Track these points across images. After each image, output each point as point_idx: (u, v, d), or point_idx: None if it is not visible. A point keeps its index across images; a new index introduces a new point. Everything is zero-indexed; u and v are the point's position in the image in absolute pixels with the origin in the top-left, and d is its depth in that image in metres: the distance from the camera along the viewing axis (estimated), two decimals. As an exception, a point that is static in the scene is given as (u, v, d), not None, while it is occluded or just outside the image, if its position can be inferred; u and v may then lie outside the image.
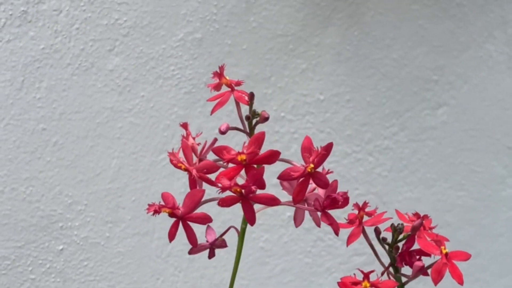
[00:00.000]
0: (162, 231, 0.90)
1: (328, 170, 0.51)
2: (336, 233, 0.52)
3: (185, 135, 0.53)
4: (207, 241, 0.55)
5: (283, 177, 0.50)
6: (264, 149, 0.50)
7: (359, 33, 0.94)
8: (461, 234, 1.02)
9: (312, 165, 0.49)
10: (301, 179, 0.50)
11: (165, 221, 0.90)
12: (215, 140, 0.53)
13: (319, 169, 0.50)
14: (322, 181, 0.50)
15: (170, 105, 0.88)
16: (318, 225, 0.54)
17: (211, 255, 0.56)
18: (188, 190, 0.51)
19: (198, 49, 0.88)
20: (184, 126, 0.53)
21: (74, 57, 0.84)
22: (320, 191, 0.53)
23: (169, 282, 0.91)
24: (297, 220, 0.55)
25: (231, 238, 0.57)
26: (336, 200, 0.51)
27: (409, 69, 0.97)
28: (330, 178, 0.51)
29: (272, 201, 0.50)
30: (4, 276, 0.86)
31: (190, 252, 0.54)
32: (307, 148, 0.50)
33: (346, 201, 0.51)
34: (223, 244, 0.55)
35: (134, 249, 0.89)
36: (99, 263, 0.88)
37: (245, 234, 0.54)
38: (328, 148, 0.50)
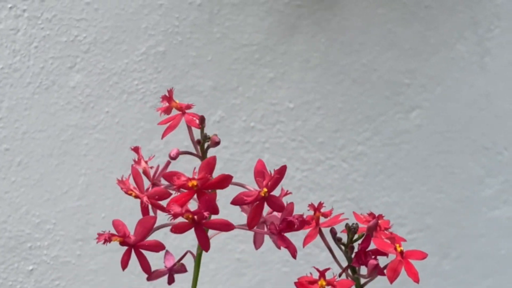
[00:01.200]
0: (134, 246, 0.90)
1: (287, 191, 0.51)
2: (293, 256, 0.52)
3: (136, 160, 0.52)
4: (165, 267, 0.54)
5: (236, 202, 0.50)
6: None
7: (326, 39, 0.94)
8: (442, 236, 1.02)
9: (265, 189, 0.49)
10: (255, 204, 0.50)
11: (137, 236, 0.90)
12: (168, 163, 0.52)
13: (277, 191, 0.50)
14: (277, 205, 0.50)
15: (136, 119, 0.88)
16: (278, 248, 0.53)
17: (171, 280, 0.55)
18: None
19: (162, 62, 0.88)
20: (136, 150, 0.53)
21: (34, 75, 0.84)
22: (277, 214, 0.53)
23: (145, 298, 0.91)
24: (257, 243, 0.55)
25: (192, 262, 0.56)
26: (292, 223, 0.50)
27: (380, 74, 0.97)
28: (289, 199, 0.51)
29: (225, 227, 0.49)
30: (-27, 299, 0.85)
31: (149, 279, 0.54)
32: (260, 172, 0.50)
33: (302, 223, 0.51)
34: (182, 269, 0.55)
35: (106, 266, 0.89)
36: (71, 281, 0.88)
37: (201, 259, 0.53)
38: (281, 171, 0.49)
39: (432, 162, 1.00)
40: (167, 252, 0.54)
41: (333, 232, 0.54)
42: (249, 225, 0.51)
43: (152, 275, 0.53)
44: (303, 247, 0.54)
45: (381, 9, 0.95)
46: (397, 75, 0.97)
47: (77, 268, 0.88)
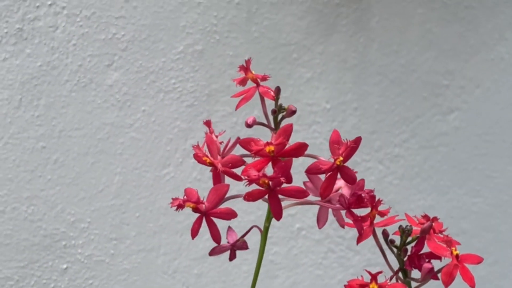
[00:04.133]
0: (168, 246, 0.89)
1: (354, 170, 0.50)
2: (360, 233, 0.51)
3: (208, 132, 0.52)
4: (228, 242, 0.54)
5: (311, 170, 0.49)
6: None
7: (364, 39, 0.93)
8: (478, 241, 1.01)
9: (341, 158, 0.49)
10: (328, 174, 0.50)
11: (171, 236, 0.90)
12: (238, 138, 0.52)
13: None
14: (350, 177, 0.50)
15: (172, 118, 0.87)
16: (342, 226, 0.53)
17: (232, 257, 0.55)
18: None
19: (199, 61, 0.87)
20: (207, 123, 0.53)
21: (72, 73, 0.84)
22: (345, 192, 0.52)
23: (178, 298, 0.91)
24: (320, 220, 0.54)
25: (251, 241, 0.56)
26: (361, 198, 0.50)
27: (418, 75, 0.96)
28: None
29: (300, 194, 0.49)
30: (8, 296, 0.85)
31: (211, 253, 0.54)
32: (336, 141, 0.50)
33: (372, 199, 0.50)
34: (244, 246, 0.54)
35: (140, 266, 0.89)
36: (105, 281, 0.88)
37: (268, 232, 0.53)
38: (357, 141, 0.49)
39: (469, 165, 0.99)
40: (229, 228, 0.54)
41: (385, 234, 0.53)
42: (322, 195, 0.50)
43: (214, 250, 0.53)
44: (357, 244, 0.52)
45: (420, 9, 0.94)
46: (435, 76, 0.96)
47: (111, 267, 0.88)
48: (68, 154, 0.85)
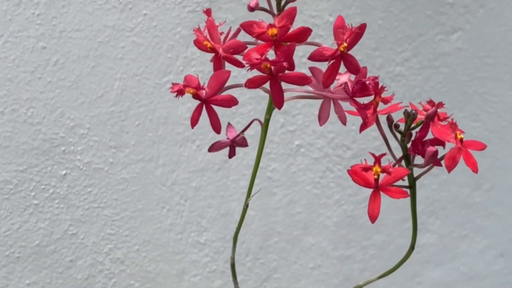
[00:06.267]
0: (167, 157, 0.89)
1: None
2: (365, 121, 0.49)
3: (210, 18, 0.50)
4: (227, 138, 0.53)
5: (315, 57, 0.48)
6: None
7: (370, -50, 0.91)
8: None
9: (345, 44, 0.47)
10: (331, 62, 0.48)
11: (170, 147, 0.89)
12: (239, 29, 0.50)
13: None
14: (353, 65, 0.48)
15: (173, 24, 0.86)
16: (343, 122, 0.51)
17: (232, 153, 0.54)
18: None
19: (202, -35, 0.86)
20: (207, 12, 0.51)
21: (73, -29, 0.82)
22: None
23: (175, 211, 0.90)
24: (322, 116, 0.52)
25: (251, 139, 0.55)
26: (366, 86, 0.48)
27: None
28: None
29: (303, 80, 0.47)
30: (6, 200, 0.84)
31: (210, 150, 0.53)
32: (340, 26, 0.48)
33: (375, 86, 0.49)
34: (243, 142, 0.53)
35: (138, 176, 0.88)
36: (103, 189, 0.87)
37: (268, 125, 0.52)
38: (362, 28, 0.48)
39: (470, 88, 0.98)
40: (229, 124, 0.53)
41: (390, 120, 0.51)
42: (324, 83, 0.49)
43: (213, 147, 0.52)
44: (360, 132, 0.51)
45: None
46: (440, -7, 0.95)
47: (109, 176, 0.87)
48: (68, 56, 0.83)
